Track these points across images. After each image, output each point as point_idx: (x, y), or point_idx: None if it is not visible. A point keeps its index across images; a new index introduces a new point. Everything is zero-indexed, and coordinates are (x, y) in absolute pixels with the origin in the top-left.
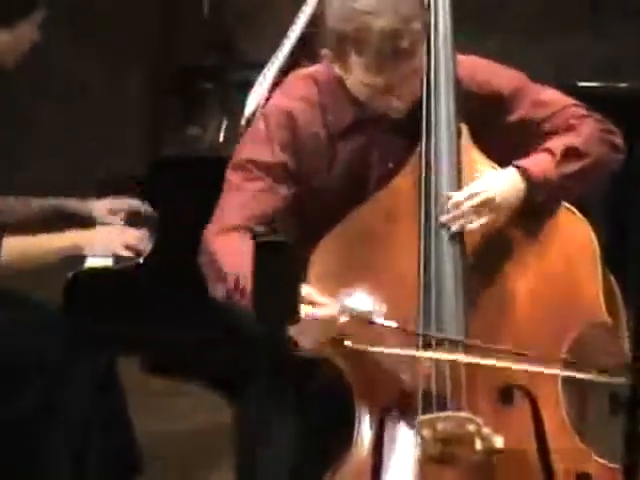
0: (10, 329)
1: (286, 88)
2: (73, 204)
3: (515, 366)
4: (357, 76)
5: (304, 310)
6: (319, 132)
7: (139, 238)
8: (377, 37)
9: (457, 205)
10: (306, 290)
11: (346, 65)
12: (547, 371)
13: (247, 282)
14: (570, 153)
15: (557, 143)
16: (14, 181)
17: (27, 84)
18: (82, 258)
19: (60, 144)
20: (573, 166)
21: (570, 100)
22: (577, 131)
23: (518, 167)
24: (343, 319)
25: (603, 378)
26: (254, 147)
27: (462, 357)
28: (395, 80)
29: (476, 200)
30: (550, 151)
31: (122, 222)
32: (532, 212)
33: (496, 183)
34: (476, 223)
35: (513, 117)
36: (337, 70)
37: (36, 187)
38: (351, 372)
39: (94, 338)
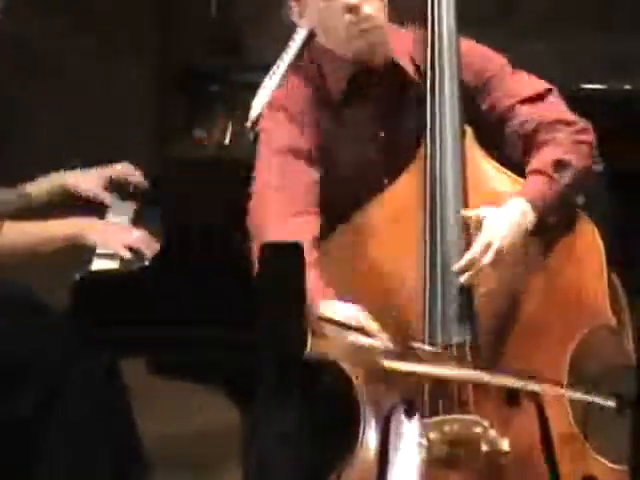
0: (14, 330)
1: (287, 79)
2: (77, 180)
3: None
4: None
5: (352, 336)
6: (324, 101)
7: (140, 240)
8: None
9: (473, 262)
10: (355, 313)
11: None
12: (553, 392)
13: None
14: (558, 166)
15: (543, 162)
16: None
17: (28, 83)
18: (88, 260)
19: (62, 145)
20: (564, 180)
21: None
22: (559, 142)
23: (518, 195)
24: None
25: (606, 401)
26: (287, 133)
27: (478, 374)
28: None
29: (489, 256)
30: (541, 172)
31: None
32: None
33: (503, 225)
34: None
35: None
36: (301, 21)
37: None
38: (357, 375)
39: (100, 340)
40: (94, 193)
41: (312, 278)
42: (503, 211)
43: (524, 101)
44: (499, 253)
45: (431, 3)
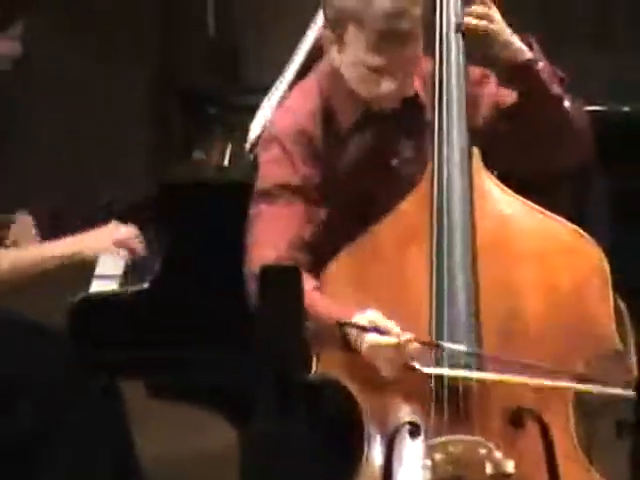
0: (11, 352)
1: (291, 104)
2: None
3: (529, 381)
4: (354, 56)
5: (371, 337)
6: (330, 136)
7: (129, 233)
8: (378, 15)
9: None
10: (372, 316)
11: (343, 43)
12: (561, 384)
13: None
14: (561, 84)
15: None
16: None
17: (30, 105)
18: (87, 282)
19: (62, 168)
20: (558, 90)
21: None
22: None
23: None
24: (413, 345)
25: (614, 390)
26: (276, 171)
27: (482, 374)
28: (391, 62)
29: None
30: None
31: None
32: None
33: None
34: (483, 23)
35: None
36: (334, 54)
37: (38, 212)
38: (361, 394)
39: (98, 362)
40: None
41: (326, 303)
42: None
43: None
44: (494, 19)
45: (439, 30)
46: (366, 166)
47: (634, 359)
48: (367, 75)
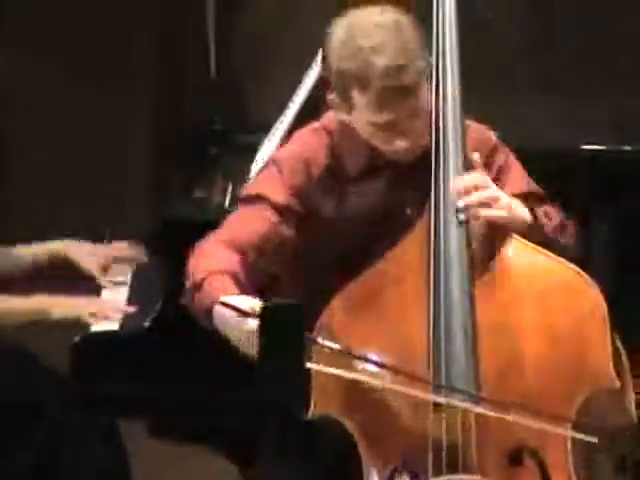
0: (12, 392)
1: (298, 137)
2: (69, 250)
3: (525, 422)
4: (361, 116)
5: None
6: (330, 177)
7: (108, 308)
8: (380, 74)
9: (466, 191)
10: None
11: (350, 106)
12: (557, 431)
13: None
14: (565, 229)
15: (554, 216)
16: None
17: (28, 141)
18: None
19: (62, 207)
20: (564, 240)
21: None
22: (567, 220)
23: (530, 209)
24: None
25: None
26: (266, 186)
27: (476, 408)
28: (399, 117)
29: (486, 192)
30: (549, 216)
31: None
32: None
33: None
34: (487, 212)
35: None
36: (343, 116)
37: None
38: (359, 434)
39: (100, 402)
40: (92, 274)
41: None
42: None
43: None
44: (497, 199)
45: (436, 77)
46: (375, 213)
47: (632, 399)
48: (379, 134)
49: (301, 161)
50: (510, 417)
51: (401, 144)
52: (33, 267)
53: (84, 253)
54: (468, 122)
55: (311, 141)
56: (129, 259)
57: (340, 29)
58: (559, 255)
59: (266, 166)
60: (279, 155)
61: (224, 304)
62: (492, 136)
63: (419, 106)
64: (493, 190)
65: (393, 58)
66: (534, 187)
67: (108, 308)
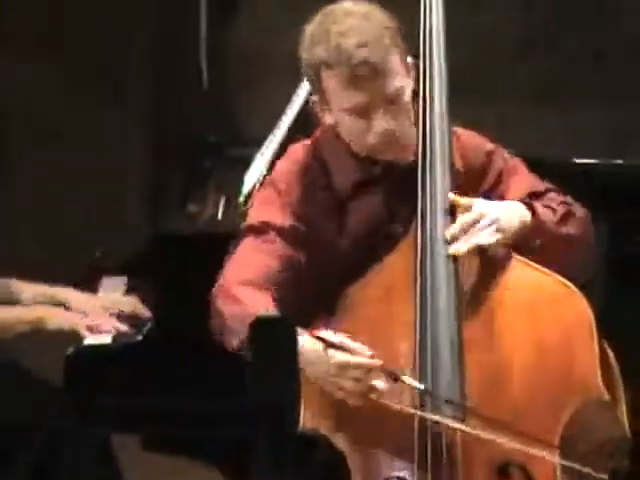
0: (5, 405)
1: (289, 156)
2: (71, 297)
3: (509, 443)
4: (336, 104)
5: (340, 356)
6: (326, 195)
7: (102, 324)
8: (346, 52)
9: (465, 226)
10: (340, 337)
11: (325, 98)
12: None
13: None
14: (569, 217)
15: (557, 207)
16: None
17: (20, 155)
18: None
19: (55, 221)
20: (566, 230)
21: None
22: (573, 206)
23: (524, 202)
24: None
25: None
26: (266, 210)
27: (461, 426)
28: (372, 99)
29: (484, 221)
30: (552, 208)
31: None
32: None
33: (500, 207)
34: (485, 240)
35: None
36: (323, 114)
37: (30, 267)
38: (348, 449)
39: (93, 415)
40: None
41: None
42: (500, 202)
43: (531, 195)
44: (496, 221)
45: (423, 83)
46: (367, 230)
47: (624, 411)
48: (357, 123)
49: (297, 179)
50: (496, 438)
51: (379, 125)
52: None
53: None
54: (459, 130)
55: (303, 158)
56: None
57: (312, 23)
58: (567, 248)
59: (263, 188)
60: (275, 175)
61: (320, 339)
62: (485, 142)
63: (392, 90)
64: (479, 225)
65: (359, 38)
66: (538, 185)
67: (104, 321)
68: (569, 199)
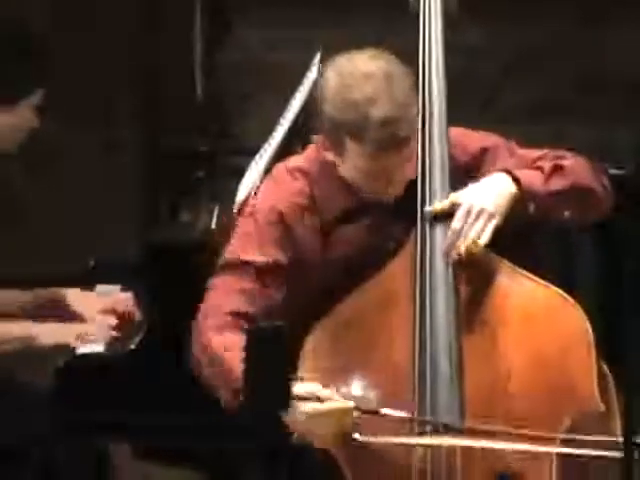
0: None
1: (274, 183)
2: (70, 296)
3: (511, 447)
4: (353, 163)
5: (310, 406)
6: (311, 224)
7: (93, 332)
8: (376, 126)
9: (457, 232)
10: (310, 386)
11: (341, 152)
12: (544, 449)
13: None
14: (557, 170)
15: (545, 163)
16: None
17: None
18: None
19: (46, 231)
20: (560, 183)
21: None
22: (565, 158)
23: (507, 172)
24: (355, 414)
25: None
26: (243, 247)
27: (463, 442)
28: (391, 166)
29: (472, 217)
30: (539, 167)
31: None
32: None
33: (484, 190)
34: (483, 238)
35: (505, 165)
36: (331, 157)
37: (26, 277)
38: (347, 462)
39: (85, 425)
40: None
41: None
42: (487, 178)
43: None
44: (484, 211)
45: (422, 93)
46: (359, 251)
47: (618, 423)
48: (368, 180)
49: (280, 207)
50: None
51: (390, 190)
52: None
53: (87, 305)
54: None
55: (287, 185)
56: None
57: (332, 78)
58: (565, 200)
59: (244, 218)
60: (257, 205)
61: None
62: (477, 140)
63: (411, 152)
64: (464, 221)
65: (388, 110)
66: (535, 152)
67: (94, 332)
68: (563, 153)
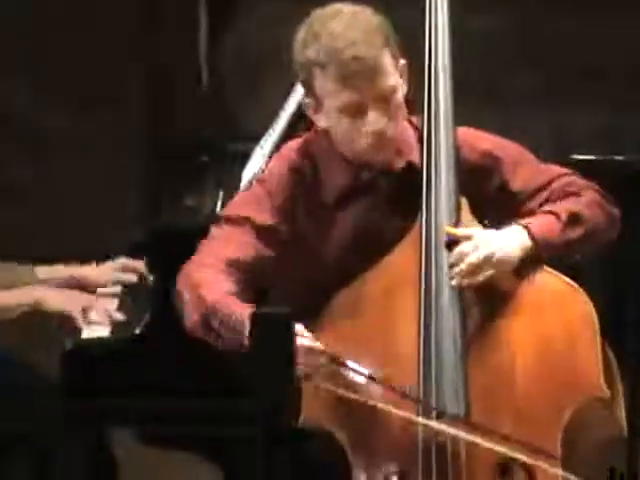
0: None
1: (281, 156)
2: (86, 273)
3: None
4: (329, 104)
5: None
6: (315, 198)
7: (101, 307)
8: (337, 51)
9: (461, 258)
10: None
11: (317, 99)
12: (546, 467)
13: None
14: (574, 219)
15: (561, 207)
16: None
17: (21, 149)
18: (79, 329)
19: (53, 216)
20: (576, 232)
21: (566, 170)
22: (579, 197)
23: (523, 225)
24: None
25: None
26: (248, 207)
27: (462, 433)
28: (365, 98)
29: (475, 256)
30: (555, 214)
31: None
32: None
33: (497, 238)
34: (479, 277)
35: (513, 185)
36: (316, 116)
37: (32, 260)
38: (350, 444)
39: (89, 408)
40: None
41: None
42: (497, 233)
43: (562, 175)
44: (489, 258)
45: (428, 91)
46: (358, 231)
47: (623, 410)
48: (349, 123)
49: (286, 181)
50: (497, 447)
51: (371, 124)
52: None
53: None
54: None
55: (295, 160)
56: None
57: (303, 27)
58: (579, 246)
59: (252, 186)
60: (265, 175)
61: None
62: (482, 140)
63: (384, 88)
64: (476, 255)
65: (349, 37)
66: (542, 176)
67: (100, 305)
68: (575, 184)
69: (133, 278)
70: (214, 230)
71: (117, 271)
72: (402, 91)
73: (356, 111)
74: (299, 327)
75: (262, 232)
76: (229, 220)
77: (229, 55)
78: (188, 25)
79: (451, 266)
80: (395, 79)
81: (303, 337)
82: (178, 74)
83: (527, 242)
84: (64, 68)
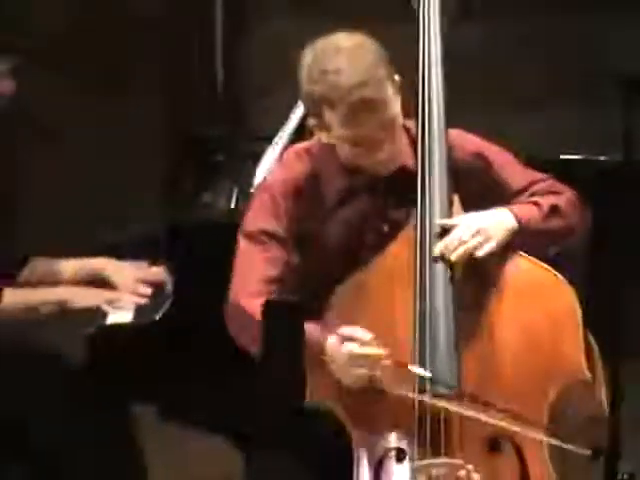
0: (28, 383)
1: (284, 163)
2: (108, 266)
3: (503, 424)
4: (336, 135)
5: (350, 347)
6: (316, 202)
7: (124, 301)
8: (344, 92)
9: (456, 238)
10: (354, 330)
11: (325, 125)
12: (532, 434)
13: None
14: (554, 210)
15: (543, 200)
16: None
17: (37, 144)
18: (104, 315)
19: (70, 212)
20: (556, 223)
21: (545, 175)
22: (559, 196)
23: (509, 208)
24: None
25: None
26: (261, 217)
27: (458, 408)
28: (371, 130)
29: (472, 231)
30: (538, 205)
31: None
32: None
33: (487, 217)
34: (480, 252)
35: (502, 184)
36: (324, 138)
37: (51, 255)
38: (350, 423)
39: (112, 392)
40: (123, 297)
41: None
42: (484, 213)
43: (544, 179)
44: (482, 231)
45: (422, 90)
46: (356, 231)
47: (604, 392)
48: (356, 150)
49: (289, 186)
50: (488, 419)
51: (380, 156)
52: (72, 283)
53: (124, 275)
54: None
55: (297, 166)
56: (157, 284)
57: (307, 55)
58: (552, 239)
59: (258, 194)
60: (270, 182)
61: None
62: (471, 142)
63: (389, 118)
64: (469, 232)
65: (353, 76)
66: (527, 177)
67: (125, 298)
68: (555, 186)
69: (149, 291)
70: (243, 250)
71: (139, 282)
72: (399, 105)
73: (363, 142)
74: (363, 333)
75: (282, 242)
76: (248, 236)
77: (244, 58)
78: (205, 27)
79: (446, 247)
80: (397, 104)
81: (366, 343)
82: (197, 79)
83: (513, 223)
84: (83, 65)
